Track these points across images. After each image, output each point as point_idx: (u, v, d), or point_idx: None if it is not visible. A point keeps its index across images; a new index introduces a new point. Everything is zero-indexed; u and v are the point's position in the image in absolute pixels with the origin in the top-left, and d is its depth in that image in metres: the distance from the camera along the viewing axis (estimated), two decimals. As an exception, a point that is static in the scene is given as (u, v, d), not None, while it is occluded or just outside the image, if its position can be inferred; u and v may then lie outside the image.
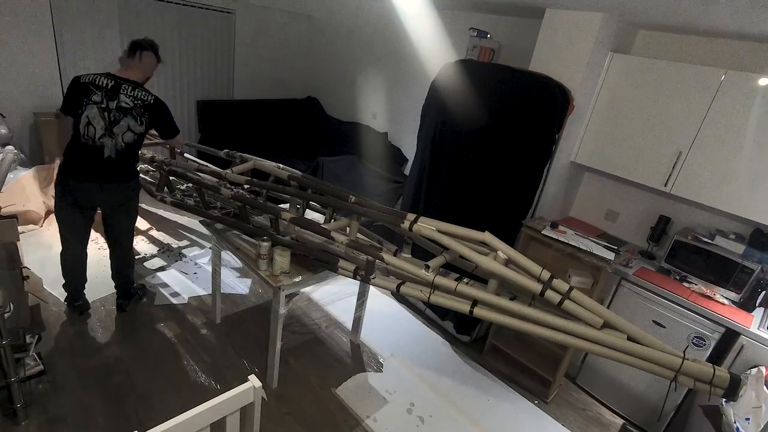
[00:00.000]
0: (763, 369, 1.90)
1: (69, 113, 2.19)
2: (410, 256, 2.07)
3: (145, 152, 3.17)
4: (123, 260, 2.61)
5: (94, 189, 2.23)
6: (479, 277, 1.94)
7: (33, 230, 3.41)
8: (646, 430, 2.49)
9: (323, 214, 2.53)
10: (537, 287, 1.63)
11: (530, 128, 2.50)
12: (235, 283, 3.22)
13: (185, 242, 3.65)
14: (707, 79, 2.24)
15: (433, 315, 3.16)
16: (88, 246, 2.55)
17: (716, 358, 2.20)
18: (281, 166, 2.64)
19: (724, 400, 1.83)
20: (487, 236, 1.73)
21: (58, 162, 3.71)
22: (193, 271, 3.27)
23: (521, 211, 2.65)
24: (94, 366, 2.29)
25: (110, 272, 2.61)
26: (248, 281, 3.27)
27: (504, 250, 1.70)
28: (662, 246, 2.71)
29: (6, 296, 1.83)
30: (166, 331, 2.63)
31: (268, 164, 2.69)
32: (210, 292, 2.93)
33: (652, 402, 2.42)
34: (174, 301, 2.90)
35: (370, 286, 2.42)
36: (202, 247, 3.61)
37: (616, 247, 2.38)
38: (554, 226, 2.51)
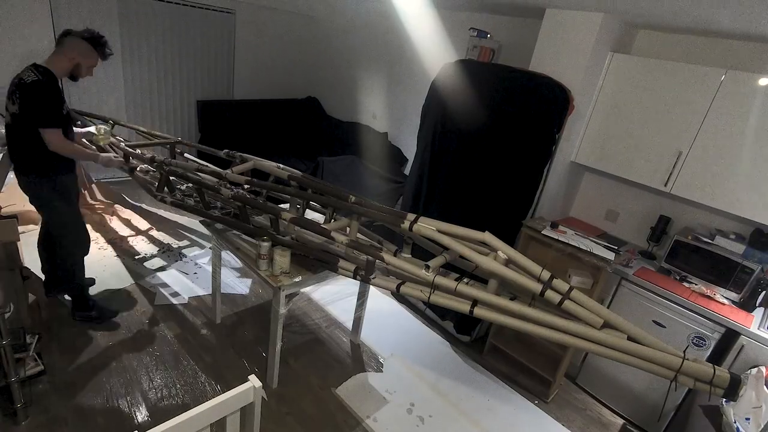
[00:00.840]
0: (763, 369, 1.90)
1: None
2: (410, 256, 2.07)
3: (145, 152, 3.17)
4: (57, 261, 2.46)
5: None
6: (479, 277, 1.94)
7: (33, 230, 3.41)
8: (646, 430, 2.49)
9: (323, 214, 2.53)
10: (537, 287, 1.63)
11: (530, 128, 2.50)
12: (235, 283, 3.22)
13: (185, 242, 3.65)
14: (707, 79, 2.24)
15: (433, 315, 3.16)
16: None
17: (716, 358, 2.20)
18: (281, 166, 2.64)
19: (724, 400, 1.83)
20: (487, 236, 1.73)
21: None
22: (193, 271, 3.27)
23: (521, 211, 2.65)
24: (94, 366, 2.29)
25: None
26: (248, 281, 3.27)
27: (504, 250, 1.70)
28: (662, 246, 2.71)
29: (6, 296, 1.83)
30: (166, 331, 2.63)
31: (268, 164, 2.69)
32: (210, 292, 2.93)
33: (652, 402, 2.42)
34: (174, 301, 2.90)
35: (370, 286, 2.41)
36: (202, 247, 3.61)
37: (616, 247, 2.38)
38: (554, 226, 2.51)
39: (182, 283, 3.10)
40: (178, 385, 2.26)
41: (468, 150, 2.75)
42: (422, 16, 4.01)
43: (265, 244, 2.07)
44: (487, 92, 2.63)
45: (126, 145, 2.92)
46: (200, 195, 2.50)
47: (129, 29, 4.19)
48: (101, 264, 3.09)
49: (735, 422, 1.79)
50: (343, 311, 3.09)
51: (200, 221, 2.54)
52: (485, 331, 2.97)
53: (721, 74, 2.20)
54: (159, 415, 2.09)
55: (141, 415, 2.07)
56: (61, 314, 2.60)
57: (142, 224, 3.79)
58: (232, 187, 2.39)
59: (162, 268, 3.23)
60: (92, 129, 2.67)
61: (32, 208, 3.35)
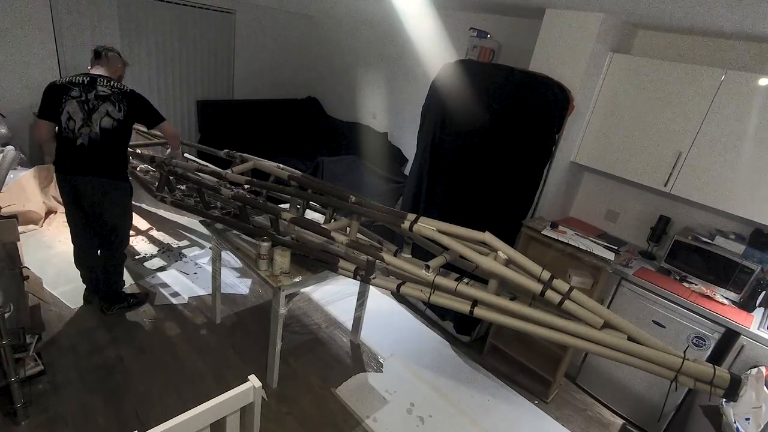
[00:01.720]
0: (763, 369, 1.90)
1: (46, 117, 2.23)
2: (410, 256, 2.07)
3: (145, 152, 3.17)
4: (104, 264, 2.56)
5: (75, 182, 2.27)
6: (479, 277, 1.94)
7: (33, 230, 3.41)
8: (646, 430, 2.49)
9: (323, 214, 2.53)
10: (537, 287, 1.63)
11: (530, 128, 2.50)
12: (235, 283, 3.22)
13: (185, 242, 3.65)
14: (707, 79, 2.24)
15: (433, 315, 3.16)
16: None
17: (716, 358, 2.20)
18: (281, 166, 2.64)
19: (724, 400, 1.83)
20: (487, 236, 1.73)
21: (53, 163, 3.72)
22: (193, 271, 3.27)
23: (521, 211, 2.65)
24: (94, 366, 2.29)
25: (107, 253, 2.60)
26: (248, 281, 3.27)
27: (504, 250, 1.70)
28: (662, 246, 2.71)
29: (6, 296, 1.83)
30: (166, 331, 2.63)
31: (268, 164, 2.69)
32: (210, 292, 2.93)
33: (652, 402, 2.42)
34: (174, 301, 2.90)
35: (370, 286, 2.41)
36: (202, 247, 3.61)
37: (616, 247, 2.38)
38: (554, 226, 2.51)
39: (182, 283, 3.10)
40: (178, 385, 2.26)
41: (468, 150, 2.75)
42: (422, 16, 4.01)
43: (265, 244, 2.07)
44: (487, 92, 2.63)
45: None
46: (200, 195, 2.51)
47: (129, 29, 4.20)
48: (101, 264, 3.09)
49: (735, 422, 1.79)
50: (343, 311, 3.09)
51: (200, 221, 2.54)
52: (485, 331, 2.97)
53: (721, 74, 2.20)
54: (159, 415, 2.09)
55: (141, 415, 2.07)
56: (61, 314, 2.60)
57: (142, 224, 3.79)
58: (232, 187, 2.39)
59: (162, 268, 3.23)
60: None
61: (32, 208, 3.39)
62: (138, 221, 3.82)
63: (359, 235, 2.21)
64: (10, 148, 3.46)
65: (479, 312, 1.74)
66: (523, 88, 2.51)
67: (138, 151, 3.24)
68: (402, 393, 2.47)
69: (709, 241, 2.38)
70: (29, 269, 2.46)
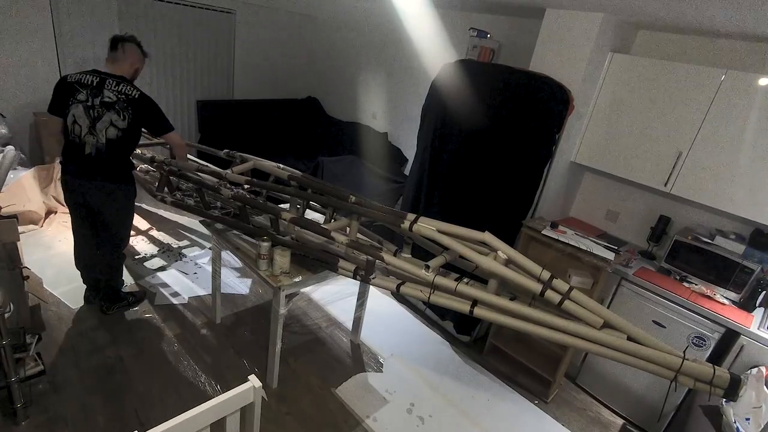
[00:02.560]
0: (763, 369, 1.90)
1: (56, 113, 2.21)
2: (410, 256, 2.07)
3: (145, 152, 3.17)
4: (103, 263, 2.55)
5: (82, 185, 2.26)
6: (479, 277, 1.94)
7: (33, 230, 3.41)
8: (646, 430, 2.49)
9: (323, 214, 2.53)
10: (537, 287, 1.63)
11: (530, 128, 2.50)
12: (235, 283, 3.22)
13: (185, 242, 3.65)
14: (707, 79, 2.24)
15: (433, 315, 3.16)
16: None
17: (716, 358, 2.20)
18: (281, 166, 2.64)
19: (724, 400, 1.83)
20: (487, 236, 1.73)
21: (58, 161, 3.72)
22: (193, 271, 3.27)
23: (521, 211, 2.65)
24: (94, 366, 2.29)
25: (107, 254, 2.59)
26: (248, 281, 3.27)
27: (504, 250, 1.70)
28: (662, 246, 2.71)
29: (6, 296, 1.83)
30: (166, 331, 2.63)
31: (268, 164, 2.69)
32: (210, 292, 2.93)
33: (652, 402, 2.42)
34: (174, 301, 2.90)
35: (370, 286, 2.41)
36: (202, 247, 3.61)
37: (616, 247, 2.38)
38: (554, 226, 2.51)
39: (182, 283, 3.10)
40: (178, 385, 2.26)
41: (468, 150, 2.75)
42: (422, 16, 4.01)
43: (265, 244, 2.07)
44: (487, 92, 2.63)
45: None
46: (200, 195, 2.51)
47: (129, 29, 4.19)
48: (101, 264, 3.09)
49: (735, 422, 1.79)
50: (343, 311, 3.09)
51: (200, 221, 2.54)
52: (485, 331, 2.97)
53: (721, 74, 2.20)
54: (159, 415, 2.09)
55: (141, 415, 2.07)
56: (61, 314, 2.60)
57: (142, 224, 3.79)
58: (232, 187, 2.39)
59: (162, 268, 3.23)
60: None
61: (32, 208, 3.39)
62: (138, 221, 3.81)
63: (359, 235, 2.21)
64: (10, 148, 3.46)
65: (479, 312, 1.74)
66: (523, 88, 2.51)
67: (138, 151, 3.24)
68: (402, 393, 2.47)
69: (709, 241, 2.38)
70: (29, 269, 2.46)
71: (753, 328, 2.09)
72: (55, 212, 3.66)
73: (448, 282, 1.79)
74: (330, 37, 5.28)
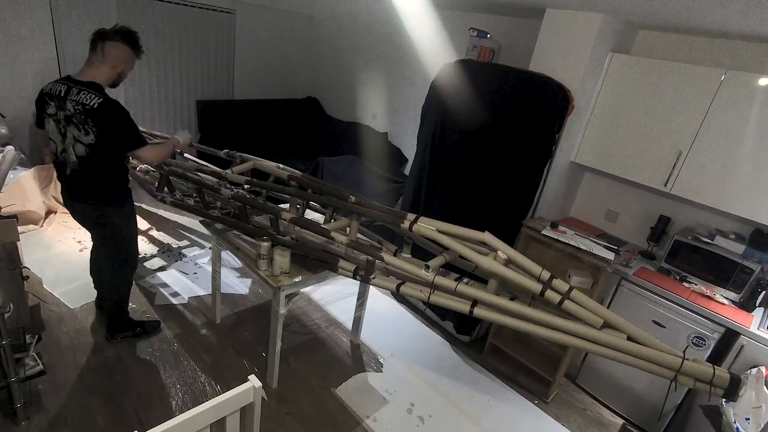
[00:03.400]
0: (763, 369, 1.90)
1: (39, 126, 2.04)
2: (410, 256, 2.07)
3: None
4: (106, 287, 2.42)
5: (74, 207, 2.13)
6: (479, 277, 1.94)
7: (33, 230, 3.41)
8: (646, 430, 2.49)
9: (323, 214, 2.53)
10: (537, 287, 1.63)
11: (530, 128, 2.50)
12: (235, 283, 3.22)
13: (185, 242, 3.65)
14: (707, 79, 2.24)
15: (433, 315, 3.16)
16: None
17: (716, 358, 2.20)
18: (281, 166, 2.64)
19: (724, 400, 1.83)
20: (487, 236, 1.73)
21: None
22: (193, 271, 3.27)
23: (521, 211, 2.65)
24: (94, 366, 2.29)
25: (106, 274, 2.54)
26: (248, 281, 3.27)
27: (504, 250, 1.70)
28: (662, 246, 2.71)
29: (6, 296, 1.83)
30: (166, 331, 2.63)
31: (268, 164, 2.69)
32: (210, 292, 2.93)
33: (652, 402, 2.42)
34: (174, 301, 2.90)
35: (370, 286, 2.41)
36: (202, 247, 3.61)
37: (616, 247, 2.38)
38: (554, 226, 2.51)
39: (182, 283, 3.10)
40: (178, 385, 2.26)
41: (468, 150, 2.75)
42: (422, 16, 4.01)
43: (265, 244, 2.07)
44: (487, 92, 2.63)
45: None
46: (200, 195, 2.51)
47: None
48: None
49: (735, 422, 1.79)
50: (343, 311, 3.09)
51: (200, 221, 2.54)
52: (485, 331, 2.97)
53: (721, 74, 2.20)
54: (159, 415, 2.08)
55: (141, 415, 2.07)
56: (61, 314, 2.60)
57: (142, 224, 3.79)
58: (232, 187, 2.39)
59: (162, 268, 3.23)
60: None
61: (32, 208, 3.39)
62: (138, 221, 3.81)
63: (359, 235, 2.21)
64: (10, 148, 3.46)
65: (479, 312, 1.74)
66: (523, 88, 2.51)
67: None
68: (402, 393, 2.47)
69: (709, 241, 2.38)
70: (29, 269, 2.46)
71: (753, 328, 2.09)
72: (55, 212, 3.66)
73: (448, 282, 1.79)
74: (330, 37, 5.28)
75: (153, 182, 3.03)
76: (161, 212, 4.06)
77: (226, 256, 3.32)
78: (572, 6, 2.38)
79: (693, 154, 2.34)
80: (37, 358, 2.08)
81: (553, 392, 2.62)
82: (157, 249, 3.47)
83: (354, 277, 1.98)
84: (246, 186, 2.39)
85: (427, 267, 1.79)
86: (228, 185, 2.41)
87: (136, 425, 1.99)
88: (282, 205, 2.47)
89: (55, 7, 3.76)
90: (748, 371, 1.93)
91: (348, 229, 2.12)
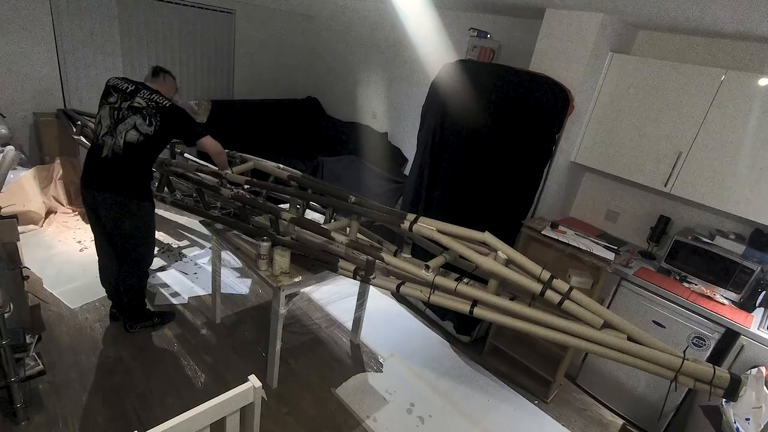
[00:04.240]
0: (763, 369, 1.90)
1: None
2: (410, 256, 2.07)
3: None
4: (124, 280, 2.41)
5: (94, 198, 2.18)
6: (479, 277, 1.94)
7: (33, 230, 3.41)
8: (646, 430, 2.49)
9: (323, 214, 2.53)
10: (537, 287, 1.63)
11: (530, 128, 2.50)
12: (235, 283, 3.22)
13: (185, 242, 3.65)
14: (707, 79, 2.24)
15: (433, 315, 3.16)
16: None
17: (716, 358, 2.20)
18: (281, 166, 2.64)
19: (724, 400, 1.83)
20: (487, 236, 1.73)
21: (58, 162, 3.72)
22: (193, 271, 3.27)
23: (521, 211, 2.65)
24: (94, 366, 2.29)
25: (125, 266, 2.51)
26: (248, 281, 3.27)
27: (504, 250, 1.70)
28: (662, 246, 2.71)
29: (6, 296, 1.83)
30: (166, 331, 2.63)
31: (268, 164, 2.69)
32: (210, 292, 2.93)
33: (652, 402, 2.42)
34: (174, 301, 2.90)
35: (370, 286, 2.41)
36: (202, 247, 3.61)
37: (616, 247, 2.38)
38: (554, 226, 2.51)
39: (182, 283, 3.10)
40: (178, 386, 2.26)
41: (468, 150, 2.75)
42: (422, 16, 4.01)
43: (265, 244, 2.07)
44: (487, 92, 2.63)
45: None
46: (200, 195, 2.51)
47: (129, 29, 4.19)
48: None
49: (735, 422, 1.79)
50: (343, 311, 3.09)
51: (200, 221, 2.54)
52: (485, 331, 2.97)
53: (721, 74, 2.20)
54: (159, 415, 2.09)
55: (141, 415, 2.07)
56: (61, 314, 2.60)
57: (142, 224, 3.78)
58: (232, 187, 2.39)
59: (162, 268, 3.23)
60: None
61: (32, 208, 3.39)
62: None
63: (359, 235, 2.21)
64: (10, 148, 3.46)
65: (479, 312, 1.74)
66: (523, 88, 2.51)
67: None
68: (402, 393, 2.47)
69: (709, 241, 2.38)
70: (29, 269, 2.46)
71: (753, 328, 2.09)
72: (55, 212, 3.66)
73: (448, 282, 1.79)
74: (330, 37, 5.28)
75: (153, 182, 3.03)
76: (161, 212, 4.06)
77: (226, 256, 3.32)
78: (572, 6, 2.38)
79: (693, 154, 2.34)
80: (37, 358, 2.08)
81: (553, 392, 2.62)
82: (157, 249, 3.47)
83: (354, 277, 1.98)
84: (246, 186, 2.39)
85: (427, 267, 1.79)
86: (228, 185, 2.41)
87: (136, 425, 2.00)
88: (282, 205, 2.47)
89: (56, 7, 3.75)
90: (748, 371, 1.93)
91: (348, 229, 2.12)
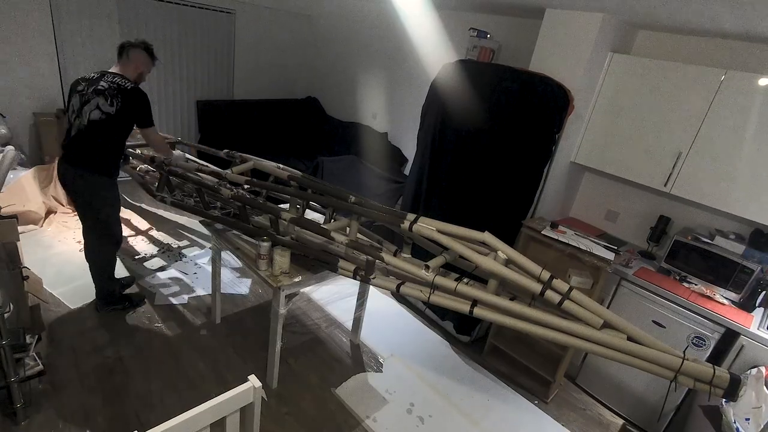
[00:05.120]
0: (763, 369, 1.90)
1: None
2: (410, 256, 2.07)
3: (145, 152, 3.17)
4: (89, 260, 2.55)
5: (66, 171, 2.34)
6: (479, 277, 1.94)
7: (33, 230, 3.41)
8: (646, 430, 2.49)
9: (323, 214, 2.53)
10: (537, 287, 1.63)
11: (530, 128, 2.50)
12: (235, 283, 3.22)
13: (185, 242, 3.65)
14: (707, 79, 2.24)
15: (433, 315, 3.16)
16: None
17: (716, 358, 2.20)
18: (281, 166, 2.64)
19: (724, 400, 1.83)
20: (486, 236, 1.73)
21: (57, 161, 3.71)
22: (193, 271, 3.27)
23: (521, 211, 2.65)
24: (94, 366, 2.29)
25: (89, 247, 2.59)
26: (248, 281, 3.27)
27: (504, 250, 1.70)
28: (662, 246, 2.71)
29: (6, 296, 1.83)
30: (166, 331, 2.63)
31: (268, 164, 2.69)
32: (210, 292, 2.93)
33: (652, 402, 2.42)
34: (174, 301, 2.90)
35: (370, 286, 2.41)
36: (202, 247, 3.61)
37: (616, 247, 2.38)
38: (554, 226, 2.51)
39: (182, 283, 3.10)
40: (178, 386, 2.26)
41: (468, 150, 2.75)
42: (422, 16, 4.01)
43: (265, 244, 2.07)
44: (487, 92, 2.63)
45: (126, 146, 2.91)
46: (200, 195, 2.51)
47: (129, 29, 4.19)
48: (101, 264, 3.08)
49: (735, 422, 1.79)
50: (343, 311, 3.09)
51: (200, 221, 2.54)
52: (485, 331, 2.97)
53: (721, 74, 2.20)
54: (159, 415, 2.09)
55: (141, 415, 2.07)
56: (61, 314, 2.60)
57: (142, 224, 3.79)
58: (232, 187, 2.39)
59: (162, 268, 3.23)
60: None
61: (32, 208, 3.39)
62: (138, 221, 3.82)
63: (359, 235, 2.21)
64: (10, 148, 3.46)
65: (479, 312, 1.74)
66: (522, 88, 2.51)
67: (138, 151, 3.24)
68: (402, 393, 2.47)
69: (709, 241, 2.38)
70: (29, 269, 2.45)
71: (753, 328, 2.09)
72: (55, 212, 3.66)
73: (448, 282, 1.79)
74: (330, 37, 5.28)
75: (153, 182, 3.03)
76: (161, 212, 4.06)
77: (226, 256, 3.32)
78: (572, 6, 2.38)
79: (693, 154, 2.34)
80: (37, 358, 2.08)
81: (553, 392, 2.62)
82: (157, 249, 3.47)
83: (354, 277, 1.98)
84: (246, 186, 2.39)
85: (427, 267, 1.79)
86: (228, 185, 2.41)
87: (136, 425, 2.00)
88: (282, 205, 2.47)
89: (56, 7, 3.76)
90: (748, 371, 1.93)
91: (348, 229, 2.12)
